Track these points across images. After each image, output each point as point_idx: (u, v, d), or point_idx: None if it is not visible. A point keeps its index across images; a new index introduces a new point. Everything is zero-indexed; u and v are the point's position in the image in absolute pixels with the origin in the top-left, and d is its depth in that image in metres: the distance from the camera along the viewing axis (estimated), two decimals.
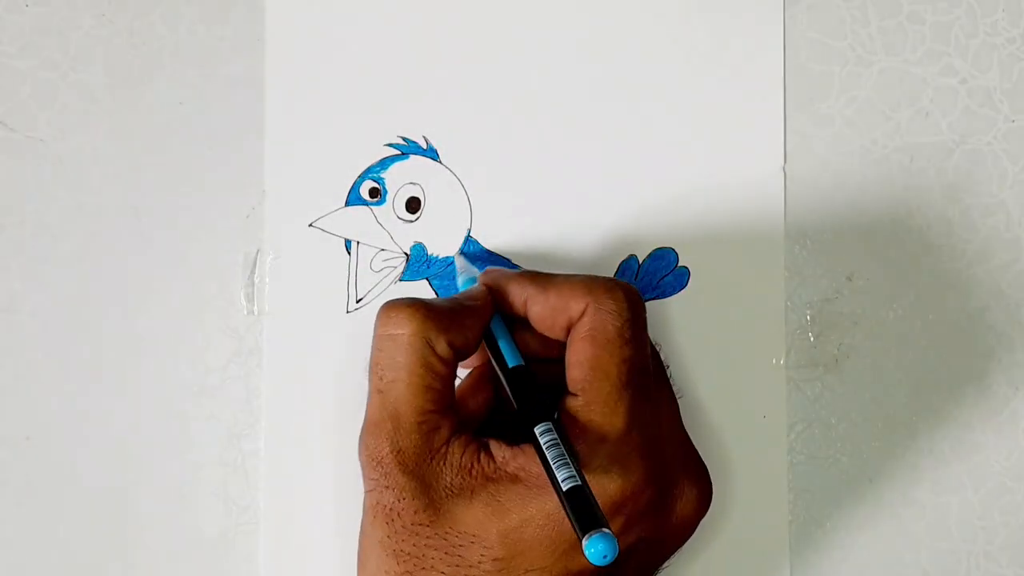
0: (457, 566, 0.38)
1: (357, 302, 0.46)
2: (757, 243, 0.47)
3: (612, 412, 0.39)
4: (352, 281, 0.46)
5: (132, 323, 0.46)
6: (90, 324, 0.46)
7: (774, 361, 0.47)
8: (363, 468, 0.40)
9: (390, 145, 0.47)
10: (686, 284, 0.47)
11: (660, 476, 0.40)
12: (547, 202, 0.46)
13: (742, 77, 0.47)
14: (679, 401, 0.44)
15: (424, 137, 0.47)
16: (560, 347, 0.41)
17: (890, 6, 0.47)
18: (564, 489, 0.36)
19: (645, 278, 0.46)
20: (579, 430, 0.38)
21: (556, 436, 0.38)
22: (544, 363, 0.42)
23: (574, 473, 0.36)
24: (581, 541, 0.34)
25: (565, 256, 0.46)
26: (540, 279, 0.41)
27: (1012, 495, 0.47)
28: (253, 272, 0.46)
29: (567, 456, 0.37)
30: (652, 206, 0.46)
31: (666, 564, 0.43)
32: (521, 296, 0.41)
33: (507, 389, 0.40)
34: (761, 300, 0.47)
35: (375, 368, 0.39)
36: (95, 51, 0.47)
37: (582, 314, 0.40)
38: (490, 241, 0.46)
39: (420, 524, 0.38)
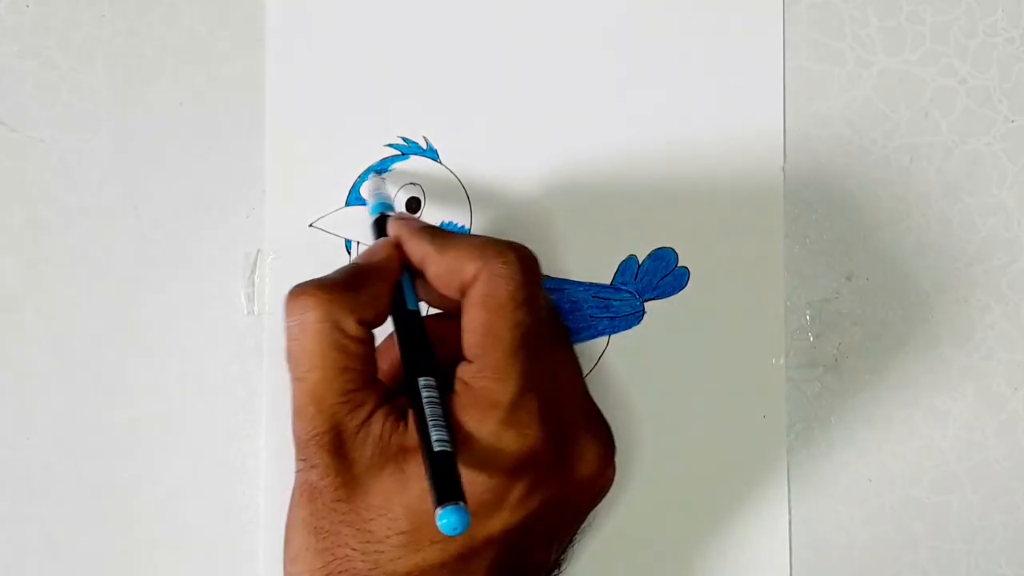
0: (367, 542, 0.38)
1: None
2: (757, 243, 0.47)
3: (505, 377, 0.38)
4: None
5: (132, 323, 0.46)
6: (90, 324, 0.46)
7: (774, 361, 0.47)
8: (295, 451, 0.40)
9: (390, 145, 0.47)
10: (686, 284, 0.47)
11: (558, 437, 0.40)
12: (547, 202, 0.46)
13: (742, 77, 0.47)
14: (581, 362, 0.44)
15: (424, 137, 0.47)
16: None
17: (890, 6, 0.47)
18: (434, 451, 0.35)
19: (645, 278, 0.46)
20: (472, 397, 0.38)
21: (438, 394, 0.37)
22: (454, 320, 0.41)
23: (447, 438, 0.36)
24: (435, 509, 0.34)
25: (565, 256, 0.46)
26: (438, 238, 0.41)
27: (1012, 495, 0.47)
28: (253, 272, 0.46)
29: (445, 418, 0.36)
30: (652, 206, 0.46)
31: (580, 530, 0.43)
32: (419, 253, 0.41)
33: (396, 336, 0.40)
34: (761, 300, 0.47)
35: (290, 357, 0.39)
36: (95, 51, 0.47)
37: (475, 278, 0.39)
38: None
39: (338, 500, 0.38)
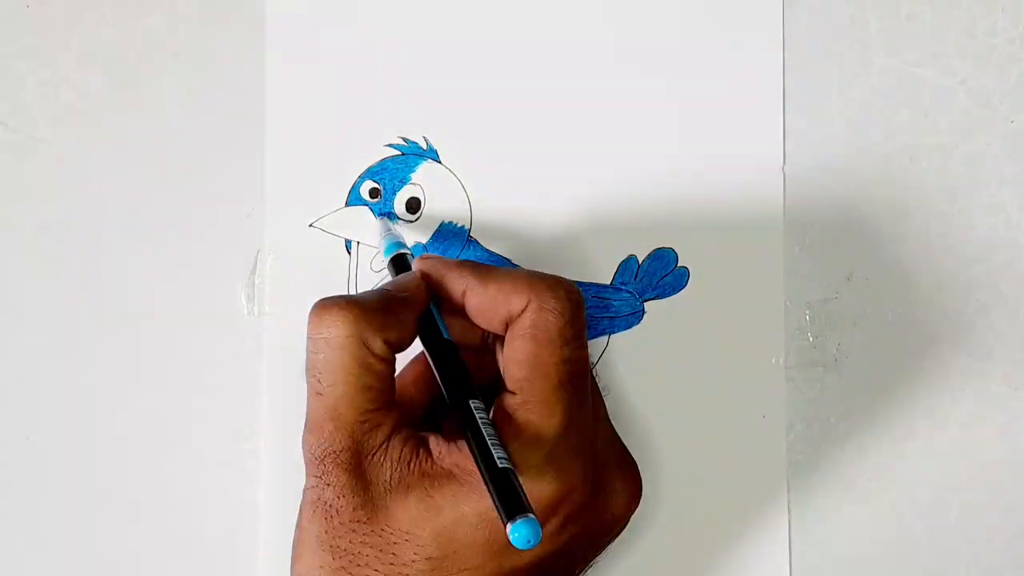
0: (391, 564, 0.38)
1: None
2: (756, 243, 0.47)
3: (550, 412, 0.38)
4: (352, 281, 0.46)
5: (132, 323, 0.46)
6: (90, 324, 0.46)
7: (773, 361, 0.47)
8: (306, 465, 0.39)
9: (390, 145, 0.47)
10: (686, 284, 0.47)
11: (593, 475, 0.40)
12: (547, 202, 0.46)
13: (742, 77, 0.47)
14: (605, 399, 0.44)
15: (424, 137, 0.47)
16: (484, 334, 0.41)
17: (890, 6, 0.47)
18: (497, 467, 0.36)
19: (645, 278, 0.46)
20: (515, 429, 0.38)
21: (489, 416, 0.37)
22: (467, 351, 0.41)
23: (506, 455, 0.36)
24: (505, 526, 0.34)
25: (565, 256, 0.46)
26: (481, 270, 0.41)
27: (1012, 495, 0.47)
28: (253, 272, 0.46)
29: (500, 437, 0.37)
30: (652, 206, 0.47)
31: (596, 560, 0.43)
32: (459, 286, 0.40)
33: (434, 368, 0.40)
34: (760, 300, 0.47)
35: (312, 371, 0.39)
36: (95, 51, 0.47)
37: (523, 311, 0.39)
38: (489, 241, 0.46)
39: (358, 521, 0.38)
